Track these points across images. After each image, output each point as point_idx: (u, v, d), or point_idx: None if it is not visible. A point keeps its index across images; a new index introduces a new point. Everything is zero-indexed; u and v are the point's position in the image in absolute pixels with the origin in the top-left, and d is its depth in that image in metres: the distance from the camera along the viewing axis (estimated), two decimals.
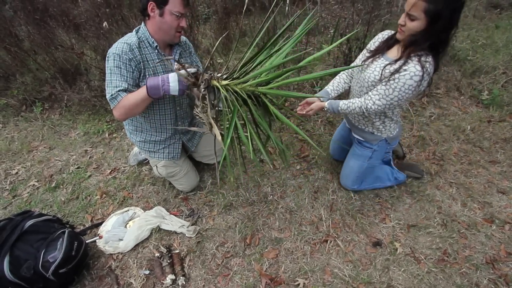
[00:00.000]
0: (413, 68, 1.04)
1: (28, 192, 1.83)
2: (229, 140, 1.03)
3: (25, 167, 2.00)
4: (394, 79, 1.09)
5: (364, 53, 1.30)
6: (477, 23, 3.04)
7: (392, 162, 1.66)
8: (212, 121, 1.08)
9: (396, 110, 1.28)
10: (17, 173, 1.97)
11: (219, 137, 1.02)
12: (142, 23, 1.25)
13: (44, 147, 2.17)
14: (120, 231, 1.52)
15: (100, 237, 1.50)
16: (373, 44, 1.27)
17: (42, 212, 1.32)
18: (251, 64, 1.10)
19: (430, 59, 1.05)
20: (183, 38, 1.40)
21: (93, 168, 1.94)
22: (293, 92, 1.02)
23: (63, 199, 1.75)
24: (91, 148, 2.11)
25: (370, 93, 1.21)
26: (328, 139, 1.97)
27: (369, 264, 1.33)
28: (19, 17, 2.20)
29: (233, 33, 2.95)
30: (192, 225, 1.54)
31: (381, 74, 1.15)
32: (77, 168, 1.95)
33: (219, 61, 2.63)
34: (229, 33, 2.85)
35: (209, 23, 2.91)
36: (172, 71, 1.31)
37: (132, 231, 1.48)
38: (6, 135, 2.30)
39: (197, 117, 1.13)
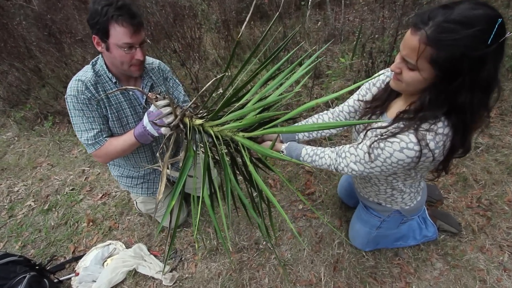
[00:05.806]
0: (405, 137, 0.70)
1: (23, 213, 1.81)
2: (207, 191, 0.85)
3: (26, 185, 2.00)
4: (379, 145, 0.75)
5: (355, 99, 0.95)
6: None
7: (426, 212, 1.29)
8: (165, 165, 0.89)
9: (408, 182, 0.91)
10: (18, 191, 1.98)
11: (162, 188, 0.85)
12: (100, 54, 1.06)
13: (48, 163, 2.17)
14: (96, 270, 1.40)
15: (76, 274, 1.40)
16: (368, 90, 0.91)
17: (7, 252, 1.24)
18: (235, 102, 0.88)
19: (439, 127, 0.68)
20: (156, 63, 1.20)
21: (86, 191, 1.87)
22: (268, 150, 0.78)
23: (53, 224, 1.70)
24: (88, 168, 2.05)
25: (347, 149, 0.85)
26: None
27: None
28: (30, 33, 2.22)
29: (247, 44, 2.74)
30: (172, 270, 1.37)
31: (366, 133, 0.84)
32: (71, 190, 1.90)
33: (227, 74, 2.43)
34: (240, 43, 2.65)
35: (219, 32, 2.73)
36: (139, 105, 1.14)
37: (106, 274, 1.34)
38: (17, 149, 2.37)
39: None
